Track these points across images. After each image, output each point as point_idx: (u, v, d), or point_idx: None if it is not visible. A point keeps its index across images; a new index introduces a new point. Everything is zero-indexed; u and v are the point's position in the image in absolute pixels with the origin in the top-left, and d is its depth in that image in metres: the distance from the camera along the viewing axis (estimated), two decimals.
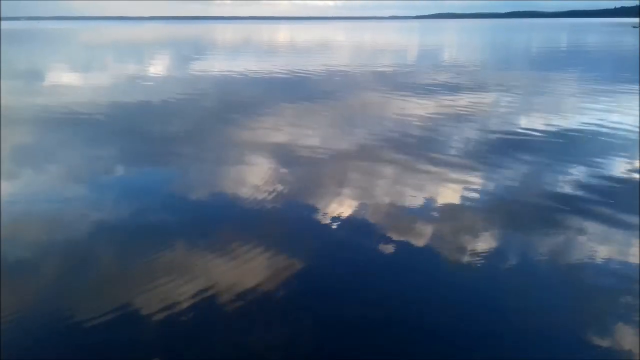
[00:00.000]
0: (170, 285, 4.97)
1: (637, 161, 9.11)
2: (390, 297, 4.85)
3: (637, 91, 17.01)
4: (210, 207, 7.28)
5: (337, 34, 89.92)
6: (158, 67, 28.95)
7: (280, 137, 11.25)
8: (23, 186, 8.27)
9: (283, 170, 8.80)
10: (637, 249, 5.73)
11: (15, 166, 9.25)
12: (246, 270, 5.31)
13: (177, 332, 4.28)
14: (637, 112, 13.20)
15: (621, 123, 11.95)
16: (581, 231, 6.27)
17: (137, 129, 12.39)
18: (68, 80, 22.77)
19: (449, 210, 7.00)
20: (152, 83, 21.72)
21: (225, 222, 6.76)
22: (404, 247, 5.87)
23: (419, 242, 5.99)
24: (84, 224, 6.56)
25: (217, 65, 28.72)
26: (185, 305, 4.65)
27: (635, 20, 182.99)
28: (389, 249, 5.85)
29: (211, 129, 12.40)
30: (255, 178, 8.35)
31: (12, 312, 4.58)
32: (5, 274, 5.26)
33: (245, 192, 7.77)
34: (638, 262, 5.43)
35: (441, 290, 5.03)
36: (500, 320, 4.53)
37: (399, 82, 20.65)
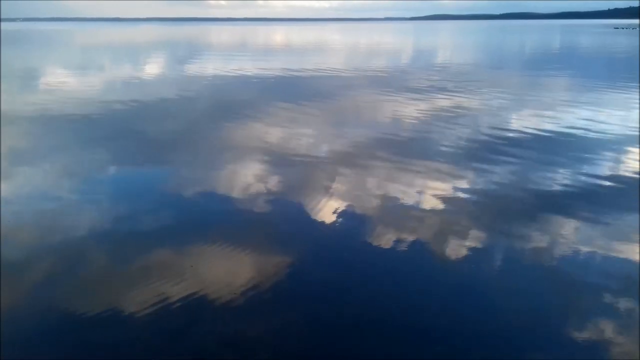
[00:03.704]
0: (166, 285, 5.03)
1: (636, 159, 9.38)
2: (382, 296, 4.88)
3: (620, 90, 18.19)
4: (204, 208, 7.34)
5: (332, 35, 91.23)
6: (155, 69, 28.87)
7: (274, 138, 11.39)
8: (19, 186, 8.35)
9: (276, 170, 8.95)
10: (636, 246, 5.78)
11: (10, 166, 9.40)
12: (240, 270, 5.36)
13: (172, 331, 4.35)
14: (623, 110, 14.13)
15: (609, 123, 12.46)
16: (577, 230, 6.31)
17: (132, 130, 12.45)
18: (65, 81, 22.74)
19: (443, 210, 7.01)
20: (148, 84, 21.79)
21: (219, 222, 6.80)
22: (397, 247, 5.88)
23: (412, 242, 6.00)
24: (79, 224, 6.60)
25: (213, 67, 28.81)
26: (179, 304, 4.72)
27: (627, 21, 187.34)
28: (381, 248, 5.87)
29: (206, 130, 12.55)
30: (249, 178, 8.49)
31: (10, 312, 4.65)
32: (3, 273, 5.33)
33: (239, 192, 7.84)
34: (638, 260, 5.46)
35: (434, 289, 5.05)
36: (495, 319, 4.52)
37: (393, 83, 20.82)
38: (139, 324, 4.46)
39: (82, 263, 5.57)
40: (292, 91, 18.94)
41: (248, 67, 28.44)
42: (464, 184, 8.07)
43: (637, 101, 15.74)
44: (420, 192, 7.71)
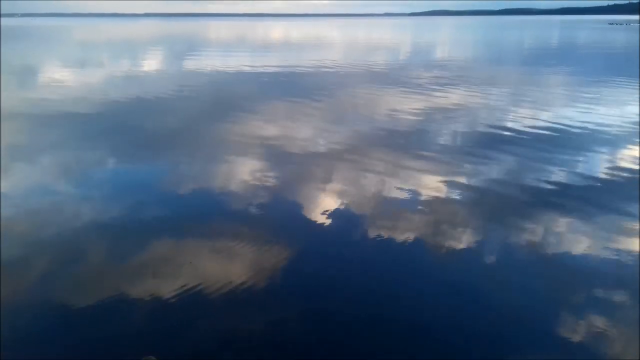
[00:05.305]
0: (165, 281, 5.02)
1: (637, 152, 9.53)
2: (380, 293, 4.88)
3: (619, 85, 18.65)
4: (201, 203, 7.38)
5: (331, 31, 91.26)
6: (154, 65, 28.95)
7: (274, 133, 11.41)
8: (18, 181, 8.41)
9: (276, 166, 9.00)
10: (636, 242, 5.80)
11: (10, 161, 9.41)
12: (238, 265, 5.35)
13: (171, 326, 4.35)
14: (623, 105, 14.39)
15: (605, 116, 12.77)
16: (579, 227, 6.29)
17: (130, 126, 12.50)
18: (65, 77, 22.72)
19: (441, 207, 7.01)
20: (148, 80, 21.84)
21: (218, 217, 6.79)
22: (396, 244, 5.88)
23: (411, 239, 5.99)
24: (78, 220, 6.61)
25: (213, 62, 28.86)
26: (178, 300, 4.71)
27: (623, 17, 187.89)
28: (380, 245, 5.87)
29: (204, 126, 12.60)
30: (247, 174, 8.52)
31: (9, 310, 4.62)
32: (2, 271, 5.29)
33: (236, 187, 7.89)
34: (638, 257, 5.44)
35: (433, 286, 5.03)
36: (494, 317, 4.48)
37: (392, 79, 21.04)
38: (138, 319, 4.43)
39: (81, 260, 5.54)
40: (293, 87, 19.00)
41: (248, 63, 28.46)
42: (463, 181, 8.04)
43: (637, 97, 15.91)
44: (419, 189, 7.69)
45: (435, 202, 7.16)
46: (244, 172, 8.62)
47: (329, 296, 4.84)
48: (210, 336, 4.24)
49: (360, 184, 7.94)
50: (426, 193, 7.50)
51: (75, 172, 8.76)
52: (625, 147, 10.07)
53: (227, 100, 16.41)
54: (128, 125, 12.67)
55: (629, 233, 6.07)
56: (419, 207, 6.99)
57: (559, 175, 8.26)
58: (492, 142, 10.54)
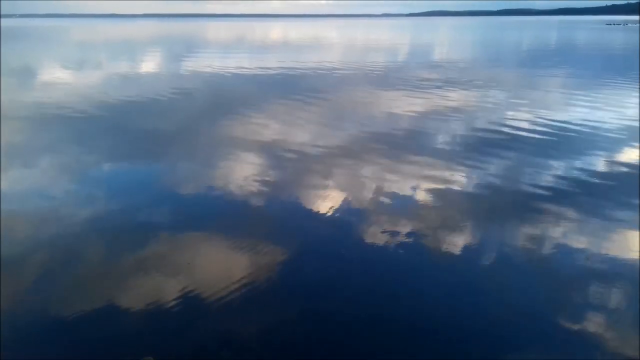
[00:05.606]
0: (163, 282, 5.02)
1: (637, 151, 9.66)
2: (379, 293, 4.88)
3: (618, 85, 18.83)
4: (200, 203, 7.37)
5: (330, 32, 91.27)
6: (154, 66, 28.89)
7: (272, 134, 11.42)
8: (17, 181, 8.46)
9: (275, 167, 8.98)
10: (636, 241, 5.81)
11: (9, 162, 9.45)
12: (237, 266, 5.35)
13: (170, 327, 4.35)
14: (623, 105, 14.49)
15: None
16: (577, 227, 6.31)
17: (129, 126, 12.54)
18: (63, 78, 22.79)
19: (441, 206, 7.02)
20: (147, 81, 21.89)
21: (216, 218, 6.78)
22: (395, 244, 5.87)
23: (410, 239, 6.00)
24: (77, 221, 6.61)
25: (212, 63, 28.74)
26: (177, 301, 4.70)
27: (621, 17, 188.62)
28: (379, 245, 5.86)
29: (203, 126, 12.64)
30: (246, 174, 8.53)
31: (8, 310, 4.63)
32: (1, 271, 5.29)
33: (235, 187, 7.90)
34: (638, 258, 5.46)
35: (432, 285, 5.03)
36: (494, 316, 4.47)
37: (391, 80, 21.12)
38: (137, 320, 4.44)
39: (79, 261, 5.55)
40: (294, 87, 18.97)
41: (247, 64, 28.40)
42: (464, 181, 8.05)
43: (637, 96, 15.95)
44: (419, 189, 7.69)
45: (435, 202, 7.16)
46: (243, 172, 8.59)
47: (329, 296, 4.83)
48: (209, 336, 4.23)
49: (361, 184, 7.93)
50: (427, 193, 7.50)
51: (73, 173, 8.72)
52: (626, 147, 10.09)
53: (226, 101, 16.38)
54: (126, 126, 12.63)
55: (629, 233, 6.07)
56: (420, 207, 7.00)
57: (559, 175, 8.26)
58: (490, 143, 10.57)
